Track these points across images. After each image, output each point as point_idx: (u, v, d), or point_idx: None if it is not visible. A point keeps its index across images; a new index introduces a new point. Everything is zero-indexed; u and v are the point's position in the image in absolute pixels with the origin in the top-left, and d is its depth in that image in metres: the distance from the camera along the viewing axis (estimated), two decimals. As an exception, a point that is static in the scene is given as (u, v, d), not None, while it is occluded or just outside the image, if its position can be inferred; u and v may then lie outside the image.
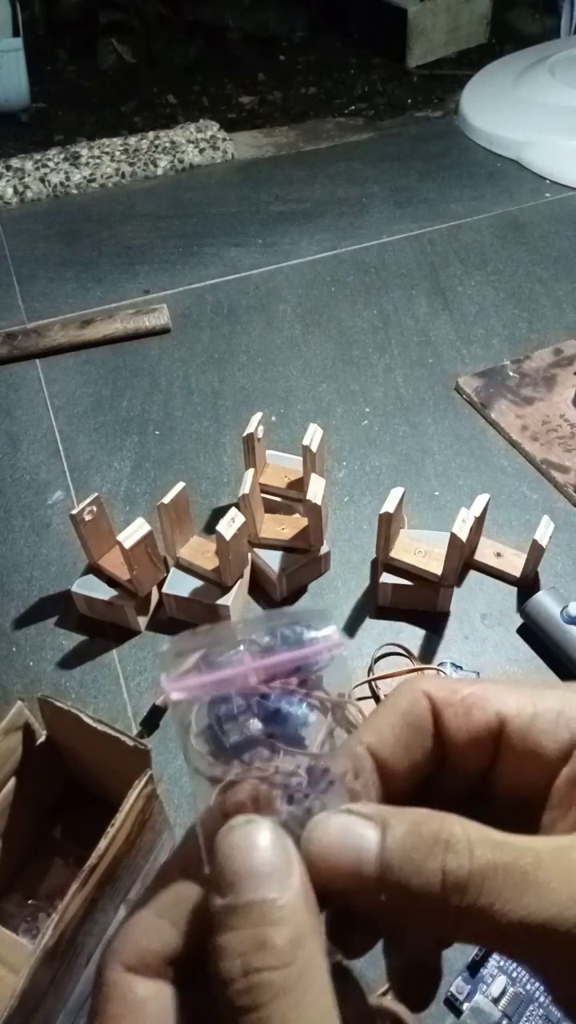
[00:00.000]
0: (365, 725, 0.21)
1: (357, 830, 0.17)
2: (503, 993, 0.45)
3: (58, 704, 0.46)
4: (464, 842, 0.16)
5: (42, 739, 0.50)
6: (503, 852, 0.16)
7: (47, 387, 0.91)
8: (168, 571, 0.66)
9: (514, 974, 0.46)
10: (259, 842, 0.17)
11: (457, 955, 0.48)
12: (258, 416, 0.70)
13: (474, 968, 0.46)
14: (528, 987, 0.46)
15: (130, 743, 0.44)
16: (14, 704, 0.47)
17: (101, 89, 1.68)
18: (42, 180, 1.27)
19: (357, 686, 0.60)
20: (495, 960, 0.47)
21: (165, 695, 0.20)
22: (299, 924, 0.16)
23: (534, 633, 0.64)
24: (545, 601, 0.63)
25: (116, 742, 0.44)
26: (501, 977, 0.46)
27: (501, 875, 0.16)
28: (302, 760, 0.20)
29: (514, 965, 0.46)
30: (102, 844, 0.40)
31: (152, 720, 0.59)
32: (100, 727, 0.45)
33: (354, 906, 0.18)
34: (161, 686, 0.20)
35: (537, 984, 0.46)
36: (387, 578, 0.65)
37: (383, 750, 0.20)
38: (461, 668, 0.62)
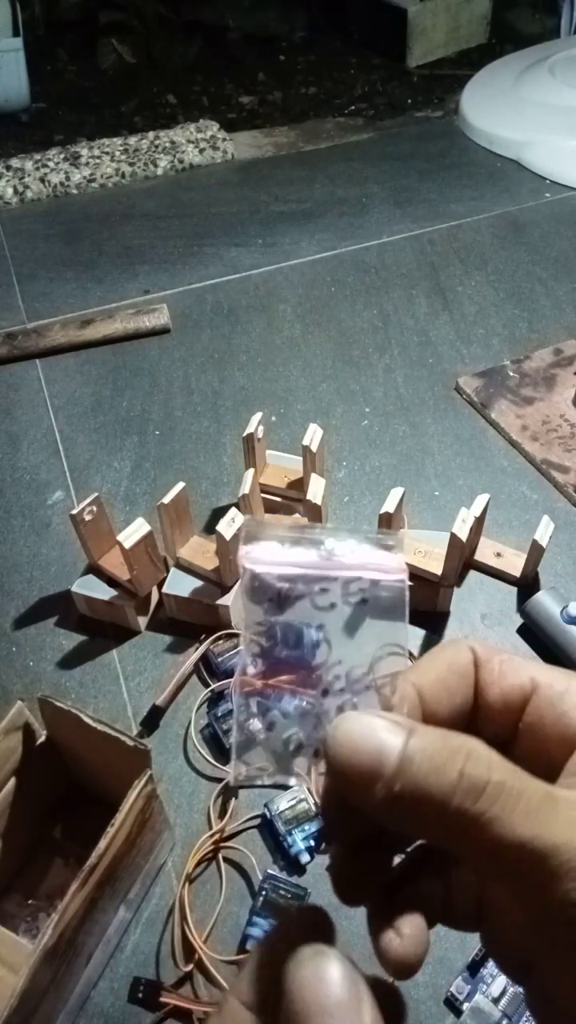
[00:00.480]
0: (413, 667, 0.21)
1: (382, 731, 0.18)
2: (503, 993, 0.45)
3: (58, 704, 0.46)
4: (486, 758, 0.17)
5: (42, 739, 0.50)
6: (521, 779, 0.17)
7: (47, 387, 0.91)
8: (168, 571, 0.66)
9: (514, 974, 0.46)
10: (330, 976, 0.17)
11: (457, 955, 0.48)
12: (258, 416, 0.70)
13: (474, 968, 0.46)
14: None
15: (130, 743, 0.44)
16: (14, 704, 0.47)
17: (101, 89, 1.68)
18: (42, 180, 1.27)
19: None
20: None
21: (240, 563, 0.22)
22: None
23: (534, 633, 0.64)
24: (545, 601, 0.63)
25: (116, 742, 0.44)
26: (501, 977, 0.46)
27: (515, 796, 0.16)
28: (349, 666, 0.22)
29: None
30: (102, 844, 0.40)
31: (152, 720, 0.59)
32: (100, 727, 0.45)
33: (367, 809, 0.18)
34: (237, 557, 0.22)
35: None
36: (387, 578, 0.65)
37: (427, 689, 0.21)
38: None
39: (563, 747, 0.20)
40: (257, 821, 0.54)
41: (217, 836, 0.52)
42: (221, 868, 0.52)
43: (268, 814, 0.53)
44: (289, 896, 0.49)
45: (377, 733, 0.18)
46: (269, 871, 0.50)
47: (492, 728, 0.21)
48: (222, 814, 0.54)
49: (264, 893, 0.49)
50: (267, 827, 0.53)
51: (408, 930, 0.19)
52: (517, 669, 0.21)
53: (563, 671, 0.21)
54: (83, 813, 0.52)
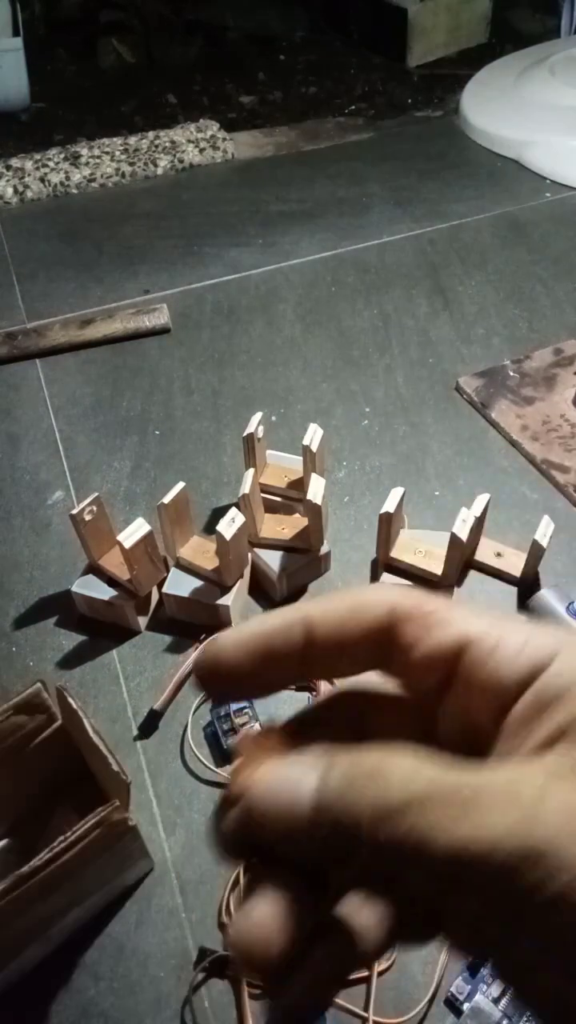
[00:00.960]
0: (314, 602, 0.20)
1: (294, 774, 0.17)
2: (503, 993, 0.45)
3: (68, 700, 0.46)
4: (399, 773, 0.16)
5: (58, 723, 0.51)
6: (441, 783, 0.16)
7: (47, 387, 0.91)
8: (168, 571, 0.66)
9: (514, 974, 0.46)
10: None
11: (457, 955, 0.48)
12: (258, 416, 0.70)
13: (474, 968, 0.46)
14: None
15: (114, 768, 0.44)
16: (34, 684, 0.48)
17: (101, 89, 1.68)
18: (42, 180, 1.27)
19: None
20: (495, 960, 0.47)
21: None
22: None
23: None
24: (550, 597, 0.63)
25: (104, 760, 0.44)
26: (501, 977, 0.46)
27: (438, 806, 0.15)
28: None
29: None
30: (42, 856, 0.40)
31: (150, 723, 0.59)
32: (95, 739, 0.45)
33: (290, 854, 0.17)
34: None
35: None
36: (387, 578, 0.65)
37: (320, 635, 0.19)
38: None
39: (494, 704, 0.18)
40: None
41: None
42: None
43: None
44: None
45: (288, 785, 0.17)
46: None
47: (414, 683, 0.20)
48: None
49: None
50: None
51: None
52: (447, 624, 0.19)
53: (496, 618, 0.19)
54: (90, 797, 0.52)
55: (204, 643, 0.18)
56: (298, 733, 0.20)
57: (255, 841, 0.17)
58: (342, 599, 0.20)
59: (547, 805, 0.15)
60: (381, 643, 0.19)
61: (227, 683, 0.20)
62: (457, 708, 0.19)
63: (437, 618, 0.19)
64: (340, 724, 0.21)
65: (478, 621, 0.19)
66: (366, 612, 0.19)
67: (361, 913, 0.18)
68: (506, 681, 0.18)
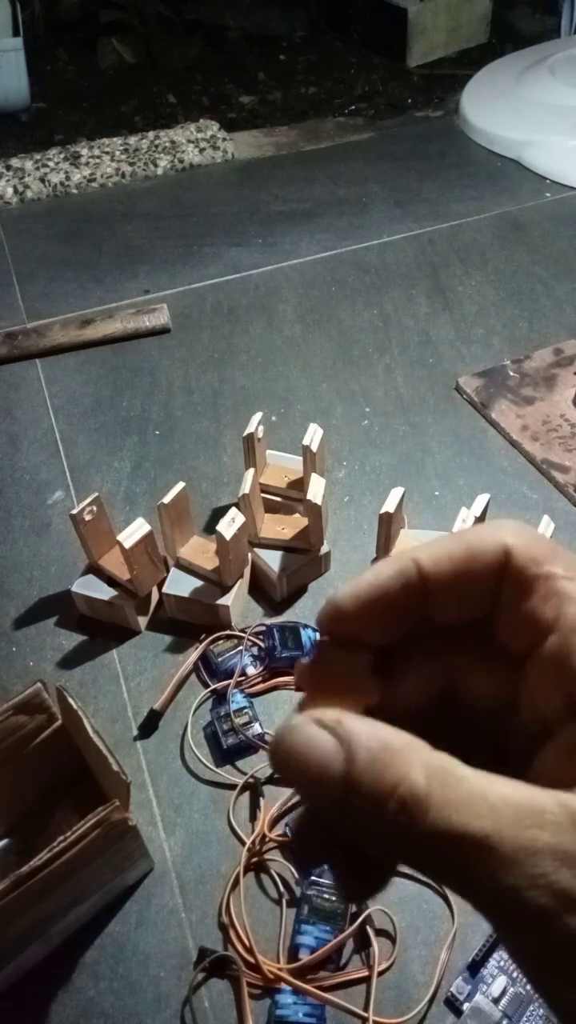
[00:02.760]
0: (426, 545, 0.20)
1: (321, 743, 0.17)
2: (503, 993, 0.45)
3: (68, 700, 0.46)
4: (423, 762, 0.17)
5: (58, 723, 0.50)
6: (457, 777, 0.16)
7: (47, 387, 0.91)
8: (168, 571, 0.66)
9: (514, 974, 0.46)
10: None
11: (457, 956, 0.48)
12: (258, 416, 0.70)
13: (474, 968, 0.46)
14: (528, 987, 0.46)
15: (114, 768, 0.44)
16: (34, 684, 0.48)
17: (101, 89, 1.68)
18: (42, 180, 1.27)
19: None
20: (495, 960, 0.47)
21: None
22: None
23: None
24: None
25: (104, 760, 0.44)
26: (501, 977, 0.46)
27: (449, 793, 0.16)
28: None
29: (513, 965, 0.46)
30: (42, 856, 0.40)
31: (150, 723, 0.59)
32: (95, 739, 0.45)
33: (316, 810, 0.18)
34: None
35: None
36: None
37: (433, 578, 0.19)
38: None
39: (563, 694, 0.18)
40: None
41: (258, 846, 0.52)
42: (269, 876, 0.52)
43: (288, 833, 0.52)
44: (334, 899, 0.48)
45: (317, 746, 0.17)
46: (313, 877, 0.50)
47: (508, 640, 0.20)
48: (252, 817, 0.54)
49: (310, 901, 0.49)
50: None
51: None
52: (554, 596, 0.18)
53: None
54: (90, 797, 0.52)
55: (326, 600, 0.19)
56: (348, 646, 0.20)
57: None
58: (455, 543, 0.19)
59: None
60: (494, 590, 0.19)
61: (348, 633, 0.20)
62: (535, 682, 0.19)
63: (548, 589, 0.19)
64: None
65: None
66: (477, 559, 0.19)
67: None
68: None
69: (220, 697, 0.60)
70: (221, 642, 0.62)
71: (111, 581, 0.65)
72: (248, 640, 0.62)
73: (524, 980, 0.46)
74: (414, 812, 0.16)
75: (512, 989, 0.46)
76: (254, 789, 0.55)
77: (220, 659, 0.61)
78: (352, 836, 0.17)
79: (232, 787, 0.55)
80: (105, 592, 0.64)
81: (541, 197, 1.22)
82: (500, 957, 0.47)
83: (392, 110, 1.57)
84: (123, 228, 1.19)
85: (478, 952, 0.47)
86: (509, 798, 0.16)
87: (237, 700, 0.58)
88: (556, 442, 0.80)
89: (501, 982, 0.46)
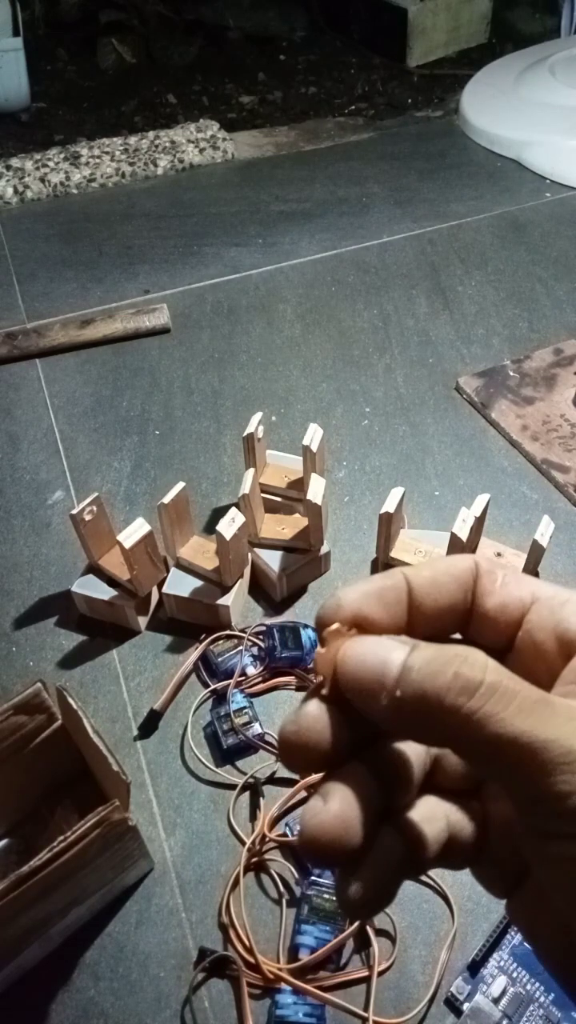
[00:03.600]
0: (412, 566, 0.22)
1: (386, 646, 0.19)
2: (503, 993, 0.45)
3: (68, 700, 0.46)
4: (482, 662, 0.18)
5: (58, 723, 0.50)
6: (515, 681, 0.18)
7: (47, 387, 0.91)
8: (168, 571, 0.66)
9: (514, 974, 0.46)
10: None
11: (457, 956, 0.48)
12: (258, 416, 0.70)
13: (474, 968, 0.46)
14: (528, 987, 0.46)
15: (114, 767, 0.44)
16: (34, 684, 0.48)
17: (101, 89, 1.68)
18: (42, 180, 1.27)
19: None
20: (495, 960, 0.47)
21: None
22: None
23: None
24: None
25: (104, 760, 0.44)
26: (501, 977, 0.46)
27: (508, 696, 0.17)
28: None
29: (515, 965, 0.46)
30: (42, 856, 0.40)
31: (150, 723, 0.59)
32: (95, 739, 0.45)
33: (375, 719, 0.19)
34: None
35: (537, 984, 0.46)
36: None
37: (417, 585, 0.22)
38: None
39: (559, 656, 0.21)
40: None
41: (258, 846, 0.52)
42: (269, 876, 0.52)
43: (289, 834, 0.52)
44: (335, 899, 0.48)
45: (381, 648, 0.19)
46: (313, 877, 0.50)
47: (488, 638, 0.22)
48: (252, 817, 0.54)
49: (310, 901, 0.49)
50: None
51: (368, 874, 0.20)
52: (519, 582, 0.22)
53: (566, 589, 0.22)
54: (90, 797, 0.53)
55: (323, 601, 0.21)
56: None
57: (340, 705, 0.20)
58: (434, 562, 0.22)
59: None
60: (467, 595, 0.22)
61: (348, 626, 0.22)
62: (522, 657, 0.22)
63: (514, 578, 0.22)
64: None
65: (550, 585, 0.22)
66: (454, 568, 0.22)
67: (422, 826, 0.21)
68: (572, 632, 0.21)
69: (220, 697, 0.60)
70: (221, 642, 0.62)
71: (111, 581, 0.65)
72: (248, 640, 0.62)
73: (524, 980, 0.46)
74: (476, 706, 0.17)
75: (512, 989, 0.46)
76: (254, 789, 0.55)
77: (220, 659, 0.61)
78: (407, 732, 0.19)
79: (232, 787, 0.55)
80: (105, 592, 0.64)
81: (541, 197, 1.22)
82: (500, 957, 0.47)
83: (392, 110, 1.57)
84: (123, 228, 1.19)
85: (478, 952, 0.47)
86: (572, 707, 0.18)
87: (237, 700, 0.58)
88: (556, 442, 0.80)
89: (501, 982, 0.46)
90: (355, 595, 0.21)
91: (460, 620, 0.22)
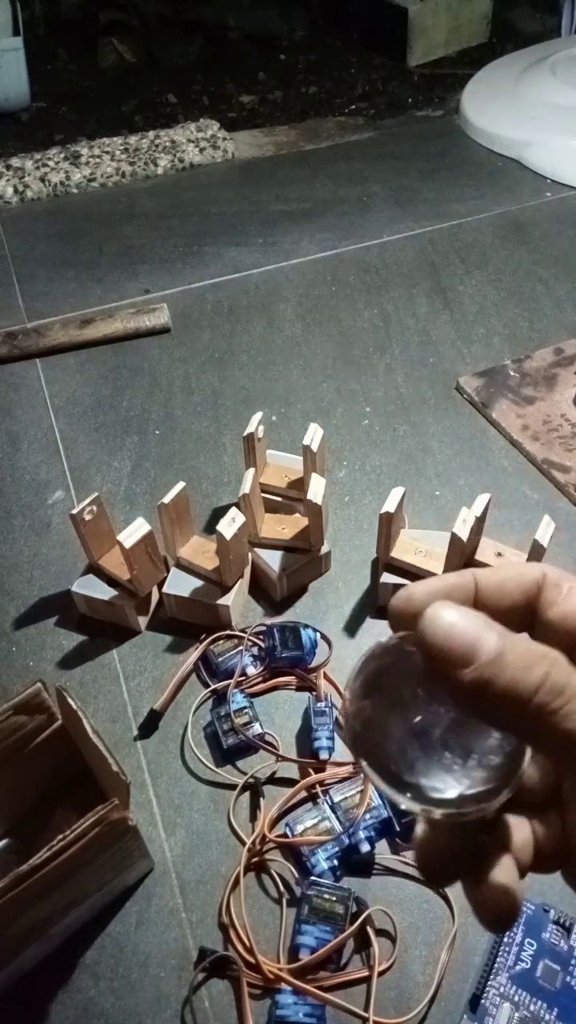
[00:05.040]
0: (483, 570, 0.23)
1: (481, 624, 0.20)
2: (510, 1021, 0.44)
3: (68, 700, 0.46)
4: (568, 666, 0.19)
5: (58, 723, 0.50)
6: None
7: (47, 387, 0.91)
8: (168, 571, 0.66)
9: (516, 998, 0.45)
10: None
11: (458, 956, 0.48)
12: (258, 416, 0.70)
13: (474, 1003, 0.45)
14: (532, 1007, 0.45)
15: (114, 768, 0.43)
16: (34, 684, 0.48)
17: (101, 89, 1.68)
18: (42, 179, 1.27)
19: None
20: (494, 987, 0.46)
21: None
22: None
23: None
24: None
25: (104, 760, 0.44)
26: (505, 1005, 0.45)
27: None
28: None
29: (515, 988, 0.45)
30: (41, 855, 0.40)
31: (151, 723, 0.59)
32: (94, 739, 0.45)
33: (449, 688, 0.20)
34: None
35: (541, 1003, 0.45)
36: (388, 578, 0.65)
37: (484, 587, 0.23)
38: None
39: None
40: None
41: (258, 846, 0.52)
42: (269, 876, 0.52)
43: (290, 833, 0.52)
44: (334, 899, 0.48)
45: (477, 624, 0.19)
46: (313, 877, 0.50)
47: (549, 642, 0.23)
48: (252, 817, 0.54)
49: (310, 901, 0.48)
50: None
51: (501, 879, 0.22)
52: None
53: None
54: (90, 797, 0.52)
55: (395, 594, 0.21)
56: None
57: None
58: (505, 567, 0.23)
59: None
60: (529, 603, 0.23)
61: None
62: None
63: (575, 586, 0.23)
64: None
65: None
66: (521, 576, 0.23)
67: (517, 833, 0.23)
68: None
69: (220, 697, 0.60)
70: (221, 642, 0.62)
71: (111, 581, 0.65)
72: (248, 640, 0.62)
73: (527, 1002, 0.45)
74: (559, 705, 0.18)
75: (518, 1014, 0.45)
76: (254, 789, 0.55)
77: (220, 659, 0.61)
78: (478, 710, 0.20)
79: (232, 787, 0.55)
80: (105, 592, 0.64)
81: (542, 197, 1.22)
82: (498, 983, 0.46)
83: (392, 110, 1.57)
84: (123, 228, 1.19)
85: (477, 987, 0.46)
86: None
87: (237, 700, 0.58)
88: (557, 442, 0.80)
89: (506, 1010, 0.45)
90: (426, 589, 0.22)
91: (522, 623, 0.23)
